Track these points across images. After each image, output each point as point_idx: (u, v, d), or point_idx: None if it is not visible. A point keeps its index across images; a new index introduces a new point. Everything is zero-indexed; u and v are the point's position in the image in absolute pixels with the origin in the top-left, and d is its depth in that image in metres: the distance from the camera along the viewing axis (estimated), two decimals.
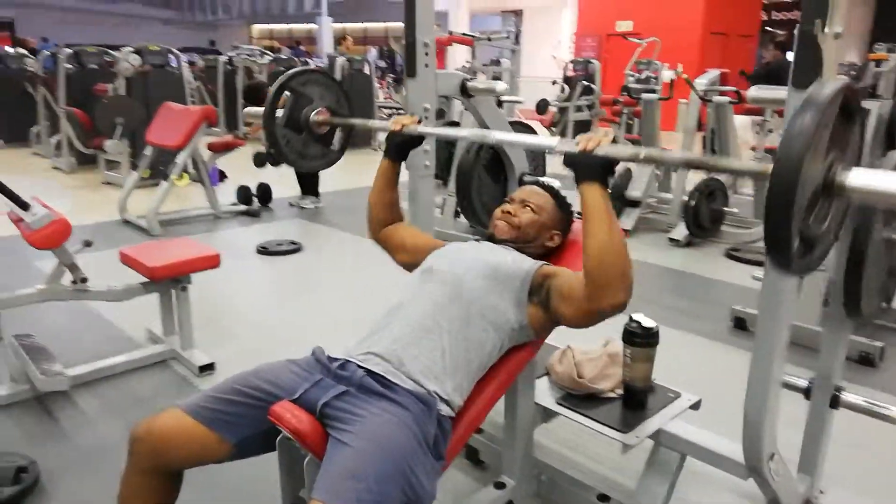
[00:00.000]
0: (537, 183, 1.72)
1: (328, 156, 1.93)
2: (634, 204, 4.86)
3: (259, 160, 5.54)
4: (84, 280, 2.44)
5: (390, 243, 1.68)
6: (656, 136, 4.84)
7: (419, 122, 1.63)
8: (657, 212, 5.12)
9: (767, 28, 12.95)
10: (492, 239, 1.59)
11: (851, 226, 1.49)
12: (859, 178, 0.94)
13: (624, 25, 12.20)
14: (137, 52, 6.10)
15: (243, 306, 3.44)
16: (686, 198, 4.40)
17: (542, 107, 8.70)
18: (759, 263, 4.05)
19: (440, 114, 6.20)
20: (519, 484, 1.74)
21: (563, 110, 8.72)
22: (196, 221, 5.10)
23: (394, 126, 1.59)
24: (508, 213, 1.59)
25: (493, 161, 2.27)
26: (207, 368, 2.60)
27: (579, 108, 8.83)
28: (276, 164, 5.80)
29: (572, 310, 1.31)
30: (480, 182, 2.27)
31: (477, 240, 1.64)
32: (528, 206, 1.59)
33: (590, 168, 1.21)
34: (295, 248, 4.34)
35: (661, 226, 4.87)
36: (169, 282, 2.63)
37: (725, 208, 4.48)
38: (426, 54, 1.84)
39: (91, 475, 1.93)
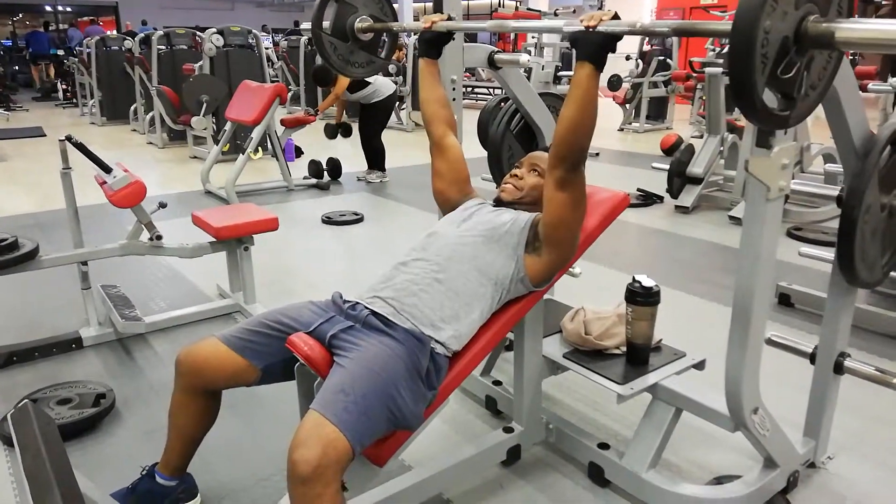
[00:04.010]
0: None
1: (374, 63, 1.99)
2: (696, 181, 4.80)
3: (330, 132, 5.83)
4: (159, 237, 2.74)
5: (438, 151, 1.78)
6: (721, 112, 4.73)
7: (448, 18, 1.76)
8: (723, 190, 5.03)
9: None
10: (500, 202, 1.71)
11: (844, 191, 1.52)
12: (837, 28, 0.93)
13: None
14: (220, 32, 6.48)
15: (304, 268, 3.71)
16: None
17: (614, 83, 8.52)
18: (820, 243, 3.94)
19: None
20: (527, 430, 1.87)
21: (636, 87, 8.53)
22: (270, 193, 5.45)
23: (425, 24, 1.75)
24: (515, 176, 1.71)
25: (524, 130, 2.36)
26: None
27: (654, 85, 8.62)
28: (346, 135, 6.02)
29: (547, 193, 1.46)
30: (512, 153, 2.37)
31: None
32: (535, 170, 1.70)
33: (587, 44, 1.28)
34: (357, 219, 4.58)
35: (724, 203, 4.79)
36: (233, 241, 2.90)
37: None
38: None
39: (157, 403, 2.21)
